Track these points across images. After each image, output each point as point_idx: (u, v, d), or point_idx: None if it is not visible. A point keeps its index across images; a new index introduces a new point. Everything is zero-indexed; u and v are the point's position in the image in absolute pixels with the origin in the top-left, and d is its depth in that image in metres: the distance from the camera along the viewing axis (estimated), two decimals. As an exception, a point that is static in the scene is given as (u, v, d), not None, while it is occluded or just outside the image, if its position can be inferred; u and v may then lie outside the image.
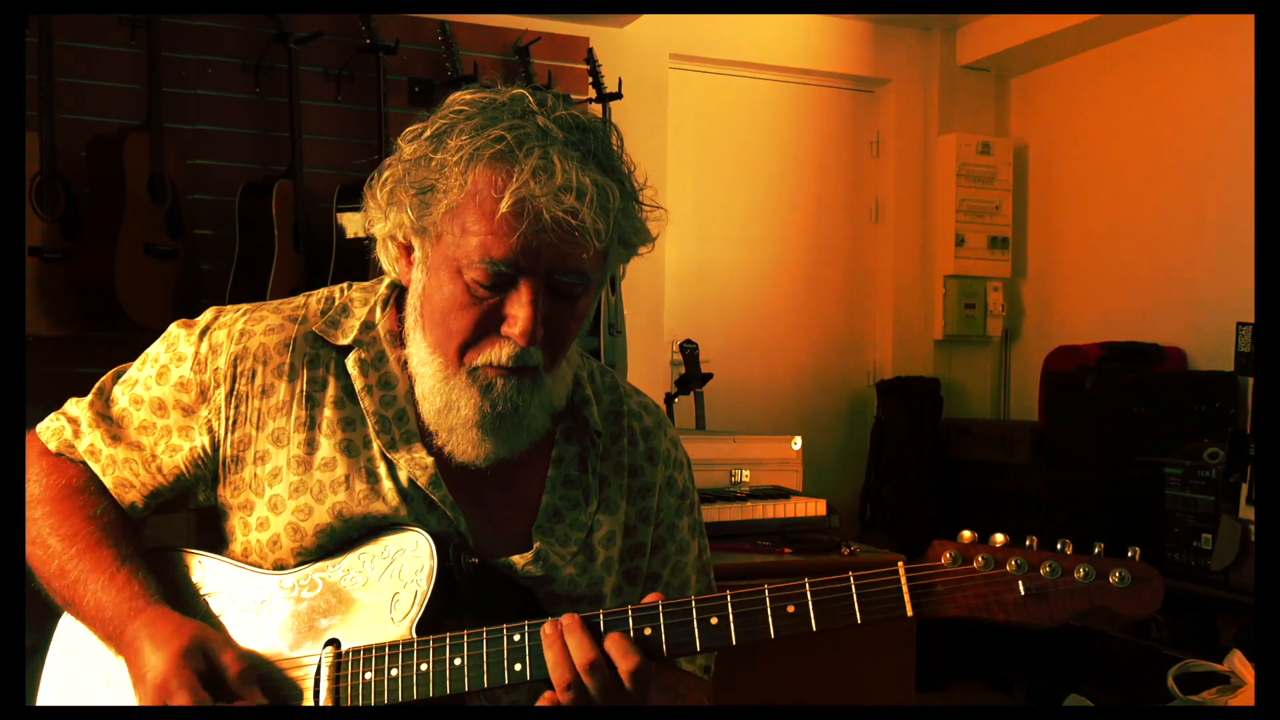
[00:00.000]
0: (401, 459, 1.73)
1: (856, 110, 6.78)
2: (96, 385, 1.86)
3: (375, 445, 1.74)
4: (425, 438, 1.75)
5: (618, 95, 5.29)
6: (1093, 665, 5.06)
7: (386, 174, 1.72)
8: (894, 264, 6.74)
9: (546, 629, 1.56)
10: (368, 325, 1.80)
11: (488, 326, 1.66)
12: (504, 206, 1.58)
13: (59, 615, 1.82)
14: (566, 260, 1.62)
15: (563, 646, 1.54)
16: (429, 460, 1.73)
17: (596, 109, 5.22)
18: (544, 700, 1.55)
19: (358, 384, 1.76)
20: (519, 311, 1.63)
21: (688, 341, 5.48)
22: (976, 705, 5.65)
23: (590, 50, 5.37)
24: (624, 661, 1.53)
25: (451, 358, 1.68)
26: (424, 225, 1.67)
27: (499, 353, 1.65)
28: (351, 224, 4.60)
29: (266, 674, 1.67)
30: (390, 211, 1.71)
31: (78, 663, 1.78)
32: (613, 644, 1.54)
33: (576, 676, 1.53)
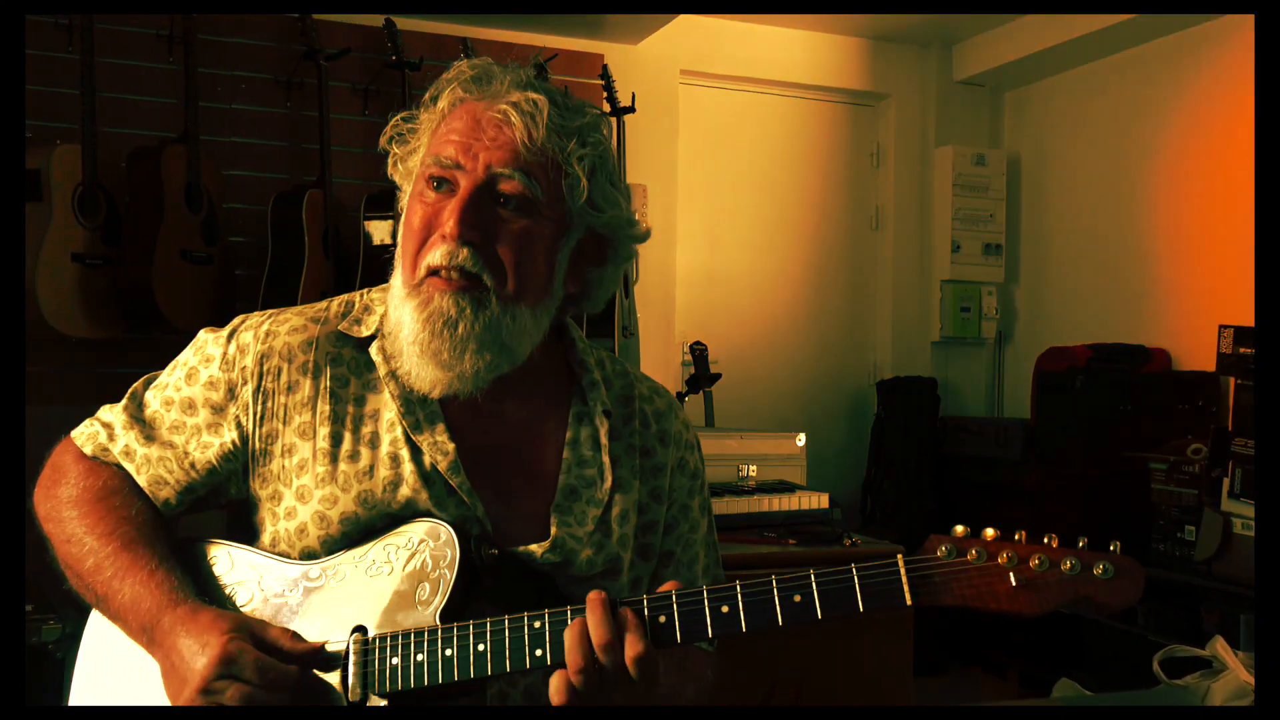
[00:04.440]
0: (425, 442, 1.73)
1: (858, 123, 6.77)
2: (129, 391, 1.85)
3: (399, 430, 1.73)
4: (448, 420, 1.75)
5: (631, 109, 5.30)
6: (1082, 651, 5.06)
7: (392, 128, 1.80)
8: (893, 269, 6.74)
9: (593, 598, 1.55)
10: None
11: (432, 227, 1.68)
12: (443, 105, 1.70)
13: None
14: (503, 159, 1.65)
15: (583, 626, 1.54)
16: (450, 446, 1.73)
17: (611, 123, 5.24)
18: (555, 679, 1.55)
19: (381, 370, 1.76)
20: (450, 209, 1.65)
21: (697, 343, 5.50)
22: (971, 706, 5.64)
23: (605, 67, 5.38)
24: (631, 649, 1.52)
25: (409, 268, 1.69)
26: (410, 167, 1.76)
27: (435, 252, 1.66)
28: (378, 231, 4.62)
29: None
30: (398, 156, 1.79)
31: (112, 650, 1.78)
32: (626, 630, 1.54)
33: (592, 656, 1.52)
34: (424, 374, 1.69)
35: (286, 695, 1.60)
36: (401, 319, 1.69)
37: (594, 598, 1.55)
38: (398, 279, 1.72)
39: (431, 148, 1.70)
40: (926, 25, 6.39)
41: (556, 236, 1.72)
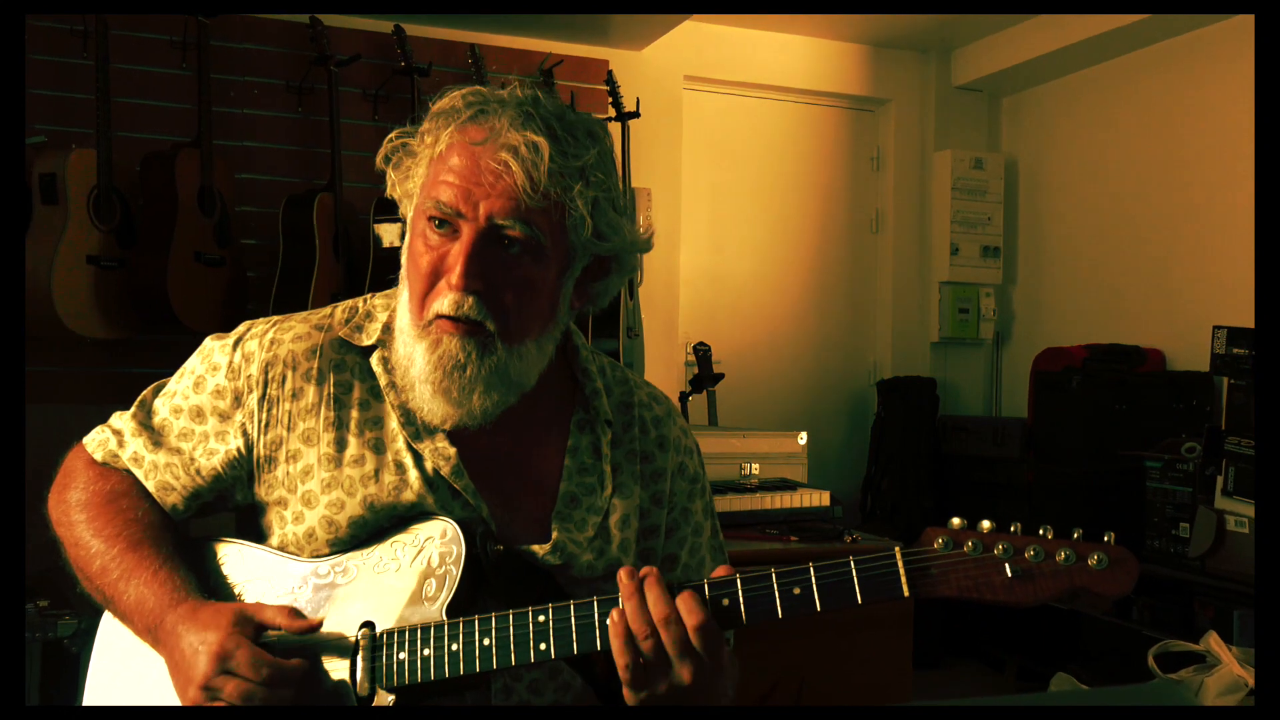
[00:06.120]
0: (426, 449, 1.72)
1: (858, 128, 6.77)
2: (139, 398, 1.85)
3: (401, 438, 1.73)
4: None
5: (636, 114, 5.31)
6: (1078, 645, 5.06)
7: (388, 146, 1.77)
8: (893, 271, 6.74)
9: (624, 578, 1.53)
10: (389, 327, 1.79)
11: (438, 273, 1.66)
12: (441, 146, 1.66)
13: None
14: (505, 208, 1.62)
15: (641, 599, 1.52)
16: (452, 451, 1.72)
17: (616, 127, 5.24)
18: (619, 658, 1.51)
19: (382, 380, 1.75)
20: (455, 256, 1.63)
21: (701, 344, 5.50)
22: (970, 703, 5.64)
23: (610, 72, 5.39)
24: (690, 617, 1.51)
25: (417, 309, 1.68)
26: (409, 189, 1.74)
27: (442, 300, 1.64)
28: (387, 234, 4.62)
29: (308, 646, 1.67)
30: (394, 180, 1.76)
31: (125, 647, 1.77)
32: (681, 600, 1.52)
33: (653, 628, 1.50)
34: (436, 409, 1.69)
35: (287, 691, 1.60)
36: (413, 357, 1.69)
37: (650, 575, 1.53)
38: (406, 315, 1.71)
39: (429, 186, 1.67)
40: (926, 31, 6.39)
41: (561, 274, 1.71)
